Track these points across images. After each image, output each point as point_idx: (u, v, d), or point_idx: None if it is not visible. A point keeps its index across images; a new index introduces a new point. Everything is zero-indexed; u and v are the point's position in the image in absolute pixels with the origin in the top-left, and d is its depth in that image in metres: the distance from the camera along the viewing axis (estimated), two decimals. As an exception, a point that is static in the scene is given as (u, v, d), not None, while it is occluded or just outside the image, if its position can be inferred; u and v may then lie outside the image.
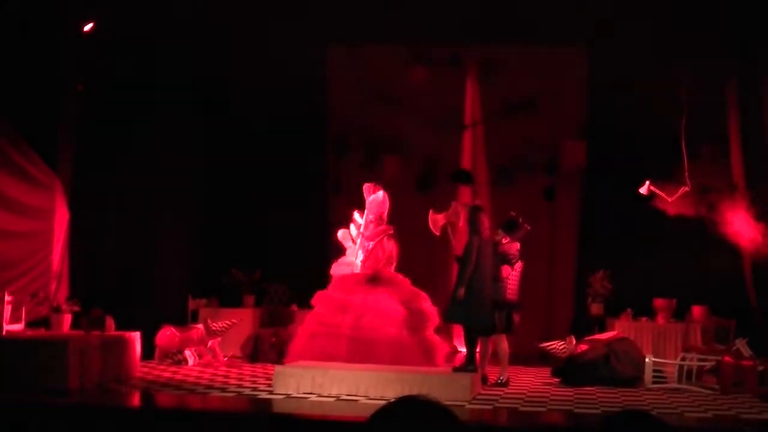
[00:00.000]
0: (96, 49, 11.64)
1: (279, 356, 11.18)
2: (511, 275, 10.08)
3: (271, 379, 9.15)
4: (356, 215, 11.33)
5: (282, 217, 13.64)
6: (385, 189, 11.26)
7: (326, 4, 12.59)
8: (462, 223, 10.51)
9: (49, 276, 11.35)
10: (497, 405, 8.48)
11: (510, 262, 10.10)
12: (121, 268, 12.69)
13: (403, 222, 11.45)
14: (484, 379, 9.94)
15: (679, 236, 12.14)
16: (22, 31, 10.46)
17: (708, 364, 10.25)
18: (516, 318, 10.07)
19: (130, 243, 12.87)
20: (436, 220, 10.63)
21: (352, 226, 11.35)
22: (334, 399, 8.56)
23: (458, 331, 12.18)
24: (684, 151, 11.68)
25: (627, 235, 12.60)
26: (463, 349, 10.53)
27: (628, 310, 11.90)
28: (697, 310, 11.67)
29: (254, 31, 12.49)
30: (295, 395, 8.66)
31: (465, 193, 13.22)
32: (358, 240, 11.23)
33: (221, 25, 12.37)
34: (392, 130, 13.96)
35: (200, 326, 12.10)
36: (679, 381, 10.12)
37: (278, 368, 9.24)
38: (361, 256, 11.16)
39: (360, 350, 10.01)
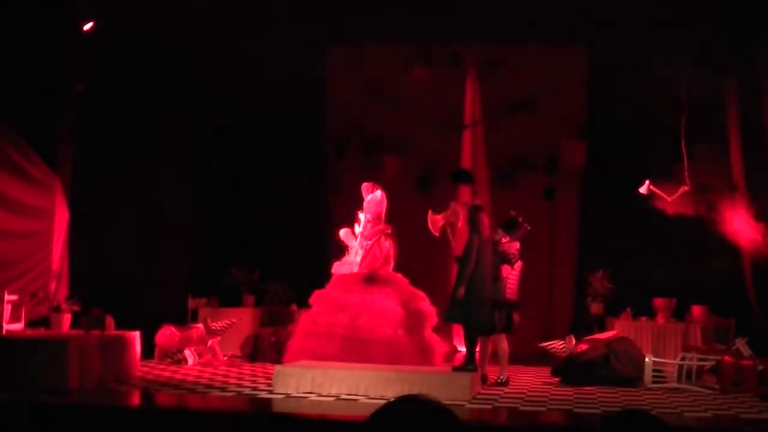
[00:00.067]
0: (96, 49, 11.63)
1: (279, 356, 11.18)
2: (511, 275, 10.08)
3: (270, 379, 9.15)
4: (361, 215, 11.34)
5: (282, 217, 13.65)
6: (384, 188, 11.26)
7: (326, 4, 12.59)
8: (461, 223, 10.51)
9: (48, 276, 11.35)
10: (497, 404, 8.48)
11: (510, 262, 10.10)
12: (121, 268, 12.69)
13: (402, 222, 11.46)
14: (484, 379, 9.95)
15: (678, 236, 12.15)
16: (22, 31, 10.46)
17: (708, 364, 10.25)
18: (516, 317, 10.07)
19: (129, 242, 12.88)
20: (435, 221, 10.62)
21: (356, 226, 11.34)
22: (334, 398, 8.56)
23: (458, 330, 12.19)
24: (684, 150, 11.69)
25: (627, 235, 12.60)
26: (463, 349, 10.53)
27: (628, 309, 11.90)
28: (696, 310, 11.67)
29: (254, 30, 12.49)
30: (295, 395, 8.66)
31: (465, 193, 13.22)
32: (357, 239, 11.23)
33: (221, 25, 12.37)
34: (392, 129, 13.96)
35: (200, 326, 12.10)
36: (679, 381, 10.12)
37: (278, 368, 9.24)
38: (359, 256, 11.16)
39: (354, 350, 9.99)
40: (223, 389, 9.05)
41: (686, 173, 11.58)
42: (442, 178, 13.43)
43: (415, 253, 12.00)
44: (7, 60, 10.33)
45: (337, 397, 8.60)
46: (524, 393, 9.38)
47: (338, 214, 13.20)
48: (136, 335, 10.06)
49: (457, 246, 10.60)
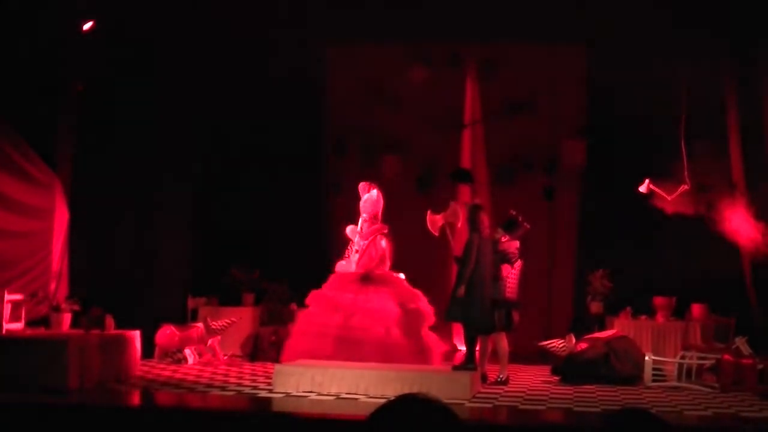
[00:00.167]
0: (96, 48, 11.64)
1: (278, 355, 11.18)
2: (511, 274, 10.09)
3: (270, 378, 9.16)
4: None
5: (282, 216, 13.65)
6: (380, 187, 11.24)
7: (326, 4, 12.58)
8: (461, 223, 10.51)
9: (48, 275, 11.35)
10: (497, 403, 8.49)
11: (510, 261, 10.11)
12: (121, 268, 12.70)
13: (402, 222, 11.46)
14: (484, 378, 9.95)
15: (678, 235, 12.15)
16: (22, 31, 10.46)
17: (707, 363, 10.25)
18: (515, 316, 10.08)
19: (129, 242, 12.89)
20: (434, 221, 10.63)
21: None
22: (334, 397, 8.57)
23: (458, 329, 12.19)
24: (683, 150, 11.70)
25: (627, 234, 12.60)
26: (463, 348, 10.54)
27: (628, 308, 11.90)
28: (696, 309, 11.68)
29: (254, 30, 12.49)
30: (295, 394, 8.67)
31: (464, 192, 13.24)
32: (355, 239, 11.22)
33: (221, 25, 12.36)
34: (392, 129, 13.97)
35: (200, 325, 12.11)
36: (679, 379, 10.13)
37: (278, 367, 9.25)
38: (356, 256, 11.15)
39: (347, 350, 9.96)
40: (223, 388, 9.06)
41: (686, 172, 11.59)
42: (442, 177, 13.44)
43: (414, 253, 11.99)
44: (7, 60, 10.33)
45: (337, 396, 8.60)
46: (524, 392, 9.39)
47: (338, 214, 13.20)
48: (136, 335, 10.06)
49: (457, 246, 10.60)
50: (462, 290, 9.59)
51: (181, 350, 11.44)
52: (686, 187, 11.59)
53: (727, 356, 9.96)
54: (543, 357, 11.88)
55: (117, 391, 8.94)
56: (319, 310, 10.61)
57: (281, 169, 13.80)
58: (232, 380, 9.80)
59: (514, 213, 10.40)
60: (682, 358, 10.33)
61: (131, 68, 12.14)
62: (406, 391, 7.20)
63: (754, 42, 11.60)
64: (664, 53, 11.80)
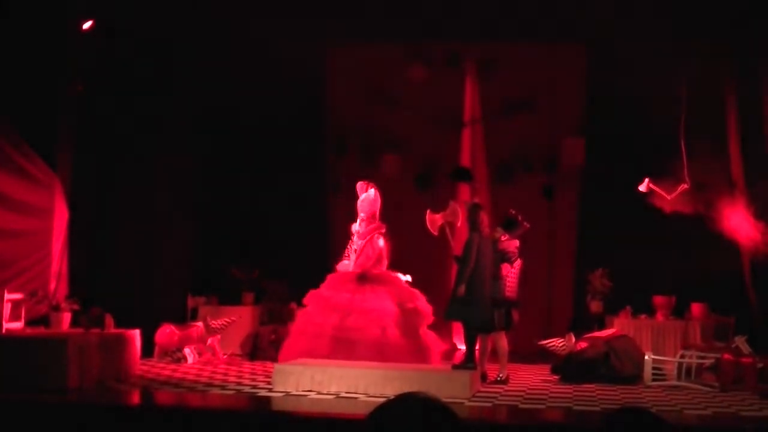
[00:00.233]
0: (96, 48, 11.64)
1: (278, 354, 11.18)
2: (511, 273, 10.09)
3: (270, 377, 9.17)
4: None
5: (282, 216, 13.65)
6: (380, 187, 11.24)
7: (325, 4, 12.59)
8: (460, 222, 10.51)
9: (48, 274, 11.35)
10: (497, 402, 8.49)
11: (509, 260, 10.11)
12: (121, 267, 12.70)
13: (402, 221, 11.45)
14: (484, 377, 9.96)
15: (678, 234, 12.14)
16: (22, 31, 10.46)
17: (707, 362, 10.26)
18: (515, 315, 10.09)
19: (129, 242, 12.88)
20: (433, 220, 10.63)
21: None
22: (334, 396, 8.57)
23: (458, 328, 12.19)
24: (683, 149, 11.70)
25: (626, 233, 12.59)
26: (463, 347, 10.54)
27: (628, 307, 11.91)
28: (696, 308, 11.69)
29: (254, 30, 12.49)
30: (295, 393, 8.67)
31: (464, 192, 13.25)
32: (354, 238, 11.22)
33: (221, 25, 12.36)
34: (391, 128, 13.97)
35: (200, 324, 12.12)
36: (679, 378, 10.13)
37: (278, 366, 9.25)
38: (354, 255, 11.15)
39: (343, 350, 9.97)
40: (222, 387, 9.06)
41: (686, 171, 11.59)
42: (442, 177, 13.45)
43: (414, 253, 11.99)
44: (7, 60, 10.33)
45: (337, 395, 8.61)
46: (524, 391, 9.39)
47: (338, 213, 13.21)
48: (136, 334, 10.06)
49: (457, 245, 10.60)
50: (462, 289, 9.60)
51: (180, 349, 11.44)
52: (686, 186, 11.59)
53: (726, 355, 9.96)
54: (543, 356, 11.88)
55: (117, 390, 8.93)
56: (316, 311, 10.62)
57: (281, 169, 13.80)
58: (232, 379, 9.81)
59: (513, 212, 10.41)
60: (682, 357, 10.33)
61: (131, 68, 12.13)
62: (406, 390, 7.18)
63: (754, 42, 11.61)
64: (664, 53, 11.79)
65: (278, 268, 13.19)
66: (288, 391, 8.72)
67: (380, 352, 9.95)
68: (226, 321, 12.27)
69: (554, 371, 10.60)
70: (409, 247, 11.63)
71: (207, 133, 13.64)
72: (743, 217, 11.41)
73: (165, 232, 13.12)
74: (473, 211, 10.01)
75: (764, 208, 11.34)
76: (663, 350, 11.10)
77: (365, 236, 11.03)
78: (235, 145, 13.86)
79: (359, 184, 11.21)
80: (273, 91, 13.23)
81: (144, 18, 11.84)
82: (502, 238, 10.18)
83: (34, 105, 10.83)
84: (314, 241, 13.59)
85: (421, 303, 10.66)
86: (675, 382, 10.09)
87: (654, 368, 10.24)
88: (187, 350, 11.42)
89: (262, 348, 11.93)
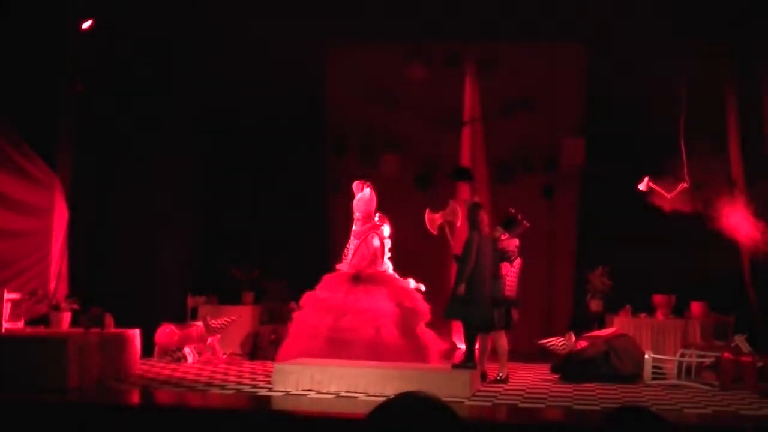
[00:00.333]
0: (96, 48, 11.64)
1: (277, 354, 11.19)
2: (510, 272, 10.10)
3: (270, 376, 9.17)
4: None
5: (282, 216, 13.65)
6: (378, 186, 11.23)
7: (325, 4, 12.59)
8: (460, 221, 10.51)
9: (48, 274, 11.35)
10: (496, 401, 8.50)
11: (509, 259, 10.11)
12: (121, 267, 12.70)
13: (401, 220, 11.45)
14: (484, 376, 9.96)
15: (678, 233, 12.15)
16: (22, 30, 10.46)
17: (707, 361, 10.26)
18: (515, 314, 10.09)
19: (129, 241, 12.89)
20: (433, 219, 10.63)
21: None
22: (334, 396, 8.57)
23: (457, 327, 12.20)
24: (683, 148, 11.70)
25: (626, 232, 12.60)
26: (463, 346, 10.54)
27: (627, 306, 11.92)
28: (696, 307, 11.69)
29: (254, 30, 12.49)
30: (295, 392, 8.67)
31: (464, 191, 13.25)
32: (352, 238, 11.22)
33: (221, 25, 12.37)
34: (391, 128, 13.98)
35: (199, 323, 12.12)
36: (679, 377, 10.13)
37: (277, 365, 9.25)
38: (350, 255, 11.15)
39: (338, 351, 9.96)
40: (222, 387, 9.06)
41: (685, 170, 11.60)
42: (442, 176, 13.46)
43: (414, 252, 11.99)
44: (7, 60, 10.33)
45: (337, 395, 8.61)
46: (524, 390, 9.39)
47: (338, 213, 13.21)
48: (136, 333, 10.06)
49: (456, 245, 10.60)
50: (462, 288, 9.60)
51: (180, 349, 11.44)
52: (686, 185, 11.60)
53: (726, 354, 9.97)
54: (543, 355, 11.88)
55: (117, 389, 8.93)
56: (311, 312, 10.63)
57: (281, 169, 13.81)
58: (232, 379, 9.81)
59: (513, 211, 10.41)
60: (682, 356, 10.33)
61: (131, 68, 12.13)
62: (406, 389, 7.19)
63: (754, 42, 11.61)
64: (664, 53, 11.80)
65: (278, 268, 13.19)
66: (288, 390, 8.72)
67: (375, 352, 9.94)
68: (226, 321, 12.27)
69: (554, 370, 10.60)
70: (409, 247, 11.63)
71: (207, 133, 13.65)
72: (743, 216, 11.42)
73: (165, 232, 13.13)
74: (473, 211, 10.01)
75: (764, 207, 11.34)
76: (663, 349, 11.11)
77: (360, 236, 11.02)
78: (235, 145, 13.87)
79: (355, 184, 11.20)
80: (273, 91, 13.23)
81: (144, 18, 11.85)
82: (502, 237, 10.18)
83: (34, 105, 10.83)
84: (314, 241, 13.59)
85: (419, 302, 10.66)
86: (675, 381, 10.09)
87: (654, 367, 10.25)
88: (187, 350, 11.43)
89: (262, 348, 11.94)
